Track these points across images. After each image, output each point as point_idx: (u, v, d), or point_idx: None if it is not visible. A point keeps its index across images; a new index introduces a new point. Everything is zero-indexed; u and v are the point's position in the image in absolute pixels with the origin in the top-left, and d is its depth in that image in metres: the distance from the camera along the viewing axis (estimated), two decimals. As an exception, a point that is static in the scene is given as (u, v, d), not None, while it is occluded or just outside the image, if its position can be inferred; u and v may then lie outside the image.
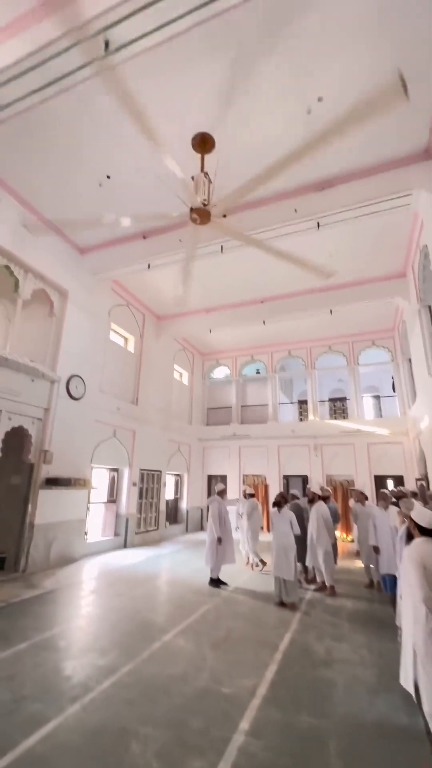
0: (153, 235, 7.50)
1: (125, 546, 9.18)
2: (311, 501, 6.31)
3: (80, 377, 7.88)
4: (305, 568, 6.75)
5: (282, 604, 5.08)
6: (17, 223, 6.61)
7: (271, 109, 5.10)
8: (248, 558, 7.79)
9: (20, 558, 6.43)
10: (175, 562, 7.77)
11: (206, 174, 4.91)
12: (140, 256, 7.73)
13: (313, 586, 6.05)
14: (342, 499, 11.24)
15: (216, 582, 6.05)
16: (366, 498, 6.85)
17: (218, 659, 3.48)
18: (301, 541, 6.85)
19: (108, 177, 6.23)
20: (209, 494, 8.42)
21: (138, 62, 4.36)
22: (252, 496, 7.93)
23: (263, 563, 7.24)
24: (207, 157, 5.30)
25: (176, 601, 5.23)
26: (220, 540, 6.06)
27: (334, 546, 6.32)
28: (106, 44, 3.97)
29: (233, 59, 4.48)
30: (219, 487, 6.80)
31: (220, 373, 15.42)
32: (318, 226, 6.60)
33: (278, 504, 5.62)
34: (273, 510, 5.68)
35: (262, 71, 4.65)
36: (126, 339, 10.66)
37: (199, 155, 5.30)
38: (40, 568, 6.59)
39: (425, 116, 5.08)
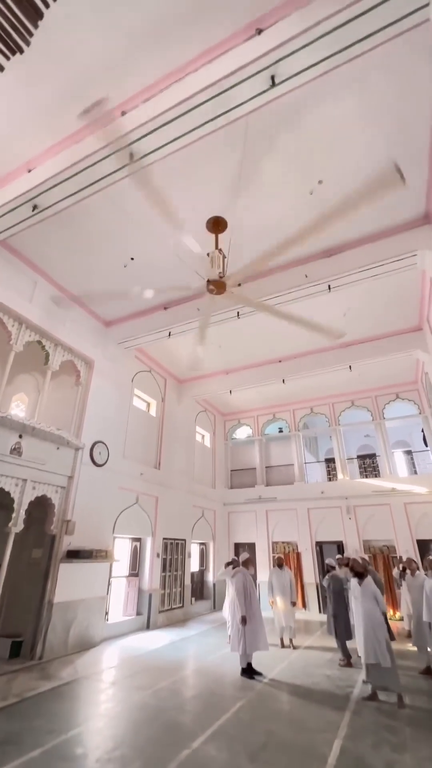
0: (173, 306, 8.01)
1: (148, 627, 8.44)
2: (356, 573, 5.62)
3: (104, 443, 7.95)
4: (344, 650, 6.01)
5: (373, 697, 4.40)
6: (50, 302, 7.23)
7: (276, 193, 5.66)
8: (282, 640, 7.01)
9: (37, 643, 5.99)
10: (203, 647, 7.02)
11: (220, 250, 5.36)
12: (161, 325, 8.19)
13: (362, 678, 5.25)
14: (384, 568, 10.20)
15: (249, 672, 5.33)
16: (417, 567, 6.20)
17: (257, 775, 2.97)
18: (341, 618, 6.17)
19: (132, 259, 6.88)
20: (232, 564, 7.69)
21: (161, 163, 5.03)
22: (280, 566, 7.38)
23: (347, 658, 5.98)
24: (220, 236, 5.82)
25: (205, 696, 4.63)
26: (244, 620, 5.31)
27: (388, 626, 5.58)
28: (131, 155, 4.65)
29: (241, 155, 5.12)
30: (243, 556, 6.28)
31: (242, 433, 15.24)
32: (329, 288, 6.90)
33: (360, 575, 4.90)
34: (353, 583, 5.04)
35: (267, 162, 5.26)
36: (148, 403, 10.87)
37: (213, 235, 5.84)
38: (57, 654, 6.09)
39: (421, 186, 5.50)
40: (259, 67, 3.76)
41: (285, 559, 11.24)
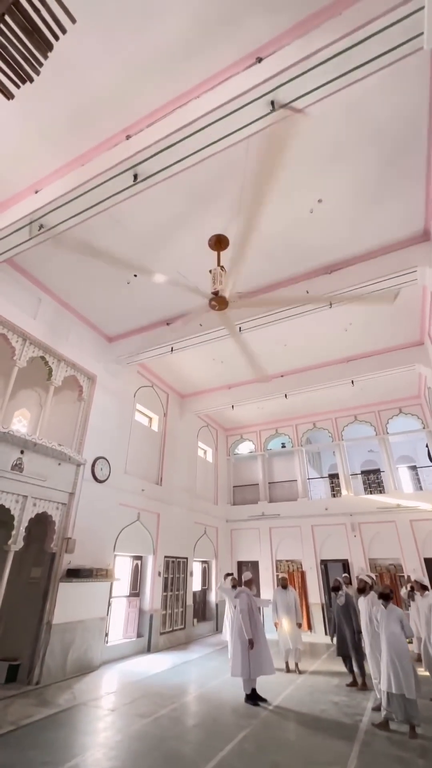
0: (175, 321, 8.07)
1: (149, 649, 8.20)
2: (361, 591, 5.51)
3: (105, 459, 7.90)
4: (353, 673, 5.83)
5: (384, 726, 4.23)
6: (54, 318, 7.31)
7: (277, 212, 5.77)
8: (288, 664, 6.79)
9: (35, 666, 5.82)
10: (205, 672, 6.79)
11: (222, 267, 5.44)
12: (164, 341, 8.24)
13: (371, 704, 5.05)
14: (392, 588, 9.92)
15: (253, 698, 5.13)
16: (426, 588, 6.04)
17: None
18: (348, 639, 5.98)
19: (135, 275, 6.97)
20: (237, 584, 7.57)
21: (163, 183, 5.16)
22: (284, 586, 7.23)
23: (356, 681, 5.86)
24: (223, 253, 5.92)
25: (208, 724, 4.45)
26: (251, 643, 5.15)
27: None
28: (135, 177, 4.78)
29: (241, 178, 5.25)
30: (246, 575, 6.11)
31: (245, 448, 15.12)
32: (330, 305, 6.95)
33: (386, 597, 4.72)
34: (375, 606, 4.89)
35: (267, 184, 5.38)
36: (150, 418, 10.84)
37: (215, 252, 5.94)
38: (55, 678, 5.90)
39: (420, 203, 5.59)
40: (260, 93, 3.89)
41: (289, 578, 11.00)
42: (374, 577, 7.22)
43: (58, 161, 5.07)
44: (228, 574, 8.11)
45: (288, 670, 6.69)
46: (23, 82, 2.67)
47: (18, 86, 2.71)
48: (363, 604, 5.24)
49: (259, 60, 3.91)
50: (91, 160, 4.79)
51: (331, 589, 6.36)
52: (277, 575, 7.49)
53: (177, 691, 5.67)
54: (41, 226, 5.35)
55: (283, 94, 3.90)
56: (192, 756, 3.64)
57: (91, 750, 3.78)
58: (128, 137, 4.60)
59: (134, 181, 4.74)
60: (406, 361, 9.05)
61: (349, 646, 5.95)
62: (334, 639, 6.30)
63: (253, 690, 5.18)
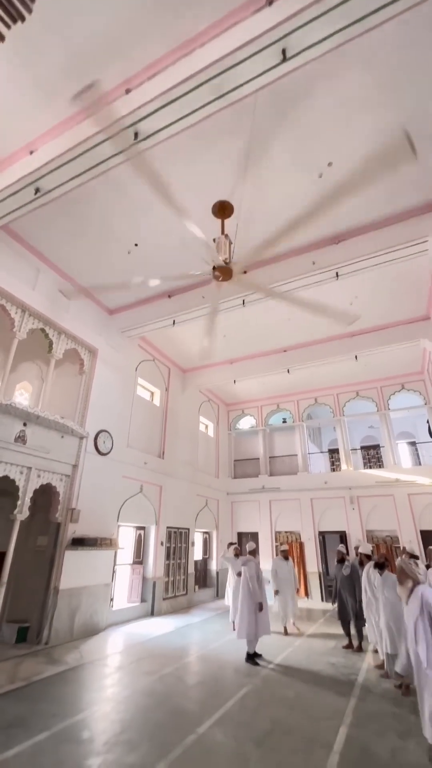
0: (177, 293, 7.89)
1: (152, 613, 8.53)
2: (377, 564, 5.67)
3: (108, 432, 7.93)
4: (350, 636, 6.10)
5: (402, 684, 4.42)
6: (53, 290, 7.14)
7: (284, 177, 5.50)
8: (286, 628, 7.12)
9: (43, 628, 6.05)
10: (207, 634, 7.08)
11: (226, 236, 5.23)
12: (166, 314, 8.09)
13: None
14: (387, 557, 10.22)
15: (253, 657, 5.41)
16: (416, 557, 6.20)
17: (263, 760, 2.97)
18: (350, 606, 6.20)
19: (136, 245, 6.75)
20: (239, 553, 7.95)
21: (165, 145, 4.88)
22: (285, 558, 7.57)
23: (352, 644, 6.15)
24: (227, 221, 5.68)
25: (210, 682, 4.66)
26: (261, 606, 5.53)
27: None
28: (135, 135, 4.51)
29: (248, 137, 4.96)
30: (251, 545, 6.38)
31: (246, 423, 15.21)
32: (337, 276, 6.76)
33: (381, 566, 5.03)
34: (371, 573, 5.13)
35: (275, 145, 5.10)
36: (152, 393, 10.83)
37: (219, 220, 5.70)
38: (63, 639, 6.16)
39: (434, 170, 5.32)
40: (270, 40, 3.59)
41: (289, 549, 11.32)
42: (372, 549, 7.45)
43: (54, 119, 4.77)
44: (231, 544, 8.35)
45: (286, 633, 6.97)
46: (14, 21, 2.44)
47: (8, 26, 2.48)
48: (363, 573, 5.40)
49: (270, 2, 3.59)
50: (89, 117, 4.49)
51: (337, 561, 6.57)
52: (279, 546, 7.73)
53: (180, 651, 5.92)
54: (37, 190, 5.11)
55: (296, 41, 3.61)
56: (196, 711, 3.83)
57: (99, 704, 3.97)
58: (128, 91, 4.31)
59: (135, 139, 4.49)
60: (411, 336, 8.92)
61: (350, 612, 6.17)
62: (335, 604, 6.53)
63: (254, 650, 5.43)
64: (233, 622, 7.36)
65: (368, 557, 7.00)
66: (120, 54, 4.13)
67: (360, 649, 5.98)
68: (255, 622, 5.44)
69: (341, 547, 7.05)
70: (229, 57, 3.74)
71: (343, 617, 6.28)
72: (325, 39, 3.60)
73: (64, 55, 4.14)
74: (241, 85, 3.99)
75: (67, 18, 3.82)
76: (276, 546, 7.94)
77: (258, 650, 5.48)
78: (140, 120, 4.32)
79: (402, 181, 5.47)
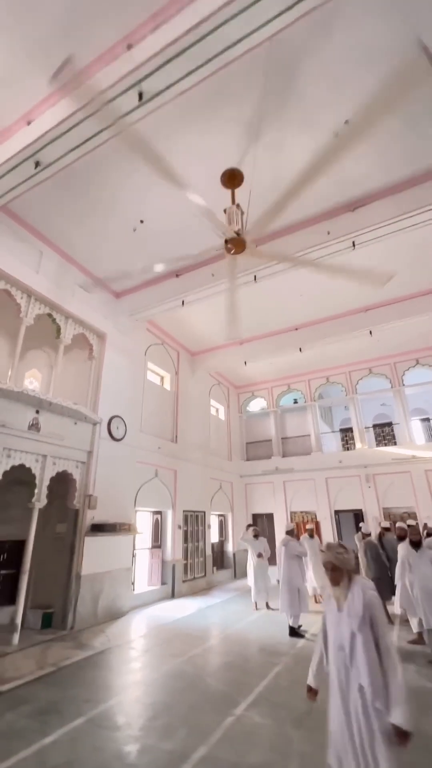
0: (186, 272, 7.60)
1: (173, 595, 8.58)
2: (401, 538, 5.67)
3: (121, 418, 7.80)
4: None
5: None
6: (58, 273, 6.90)
7: (298, 137, 5.14)
8: (316, 597, 7.46)
9: (68, 613, 6.06)
10: (228, 614, 7.09)
11: (238, 206, 4.94)
12: (174, 294, 7.82)
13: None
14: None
15: (296, 630, 5.67)
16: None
17: (305, 741, 2.90)
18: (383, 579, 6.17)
19: (141, 222, 6.45)
20: (259, 534, 8.08)
21: (170, 111, 4.55)
22: (311, 535, 7.67)
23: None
24: (238, 190, 5.36)
25: (240, 662, 4.63)
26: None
27: None
28: (140, 95, 4.18)
29: (258, 97, 4.60)
30: (289, 526, 6.73)
31: (256, 405, 15.05)
32: (353, 245, 6.43)
33: (417, 543, 5.05)
34: (408, 550, 5.07)
35: (287, 103, 4.73)
36: (162, 377, 10.66)
37: (229, 190, 5.38)
38: (88, 624, 6.18)
39: (460, 123, 4.93)
40: (286, -25, 3.23)
41: (304, 527, 11.30)
42: (388, 525, 7.39)
43: (50, 85, 4.44)
44: (249, 525, 8.34)
45: (316, 602, 7.22)
46: None
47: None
48: (401, 548, 5.30)
49: None
50: (89, 79, 4.16)
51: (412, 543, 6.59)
52: (306, 525, 7.98)
53: (205, 632, 5.92)
54: (37, 164, 4.83)
55: (313, -25, 3.25)
56: (230, 692, 3.78)
57: (131, 688, 3.94)
58: (129, 47, 3.97)
59: (140, 100, 4.17)
60: (428, 309, 8.59)
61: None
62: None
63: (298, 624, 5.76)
64: (256, 603, 7.39)
65: (387, 530, 7.09)
66: (119, 6, 3.78)
67: (390, 621, 5.98)
68: (297, 600, 5.79)
69: (364, 526, 7.06)
70: (237, 2, 3.39)
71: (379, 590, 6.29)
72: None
73: (60, 11, 3.81)
74: (252, 32, 3.65)
75: (61, -37, 3.50)
76: (307, 528, 8.07)
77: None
78: (144, 78, 3.99)
79: (422, 139, 5.09)
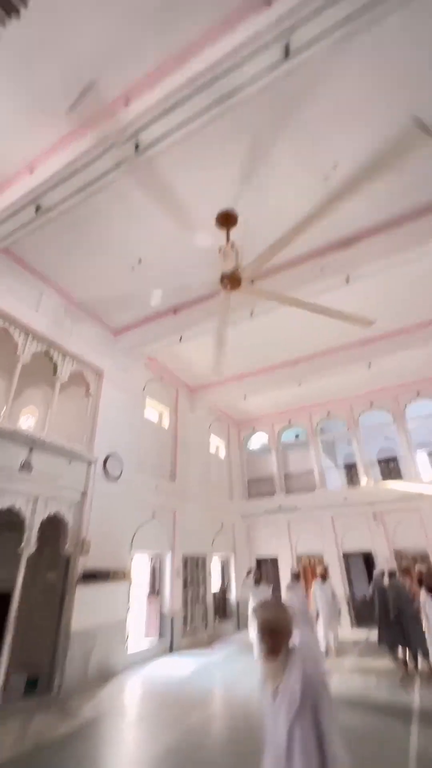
0: (184, 308, 7.70)
1: (171, 650, 7.90)
2: (421, 582, 5.39)
3: (117, 456, 7.58)
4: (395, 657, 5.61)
5: None
6: (57, 312, 6.98)
7: (289, 180, 5.36)
8: (327, 648, 6.93)
9: (54, 675, 5.53)
10: (231, 674, 6.46)
11: (232, 244, 5.06)
12: (172, 330, 7.89)
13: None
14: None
15: None
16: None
17: None
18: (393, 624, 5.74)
19: (140, 261, 6.61)
20: (260, 579, 7.55)
21: (166, 155, 4.78)
22: (323, 578, 7.24)
23: (405, 666, 5.83)
24: (233, 230, 5.53)
25: (244, 732, 4.12)
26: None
27: None
28: (136, 146, 4.40)
29: (250, 142, 4.85)
30: (294, 569, 6.08)
31: (258, 441, 14.76)
32: (347, 280, 6.55)
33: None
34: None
35: (278, 148, 4.97)
36: (161, 413, 10.52)
37: (224, 230, 5.56)
38: (77, 686, 5.61)
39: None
40: (272, 35, 3.49)
41: (311, 571, 10.66)
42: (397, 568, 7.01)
43: (54, 136, 4.71)
44: (250, 570, 7.84)
45: (327, 655, 6.79)
46: (8, 14, 2.32)
47: (3, 23, 2.36)
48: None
49: (269, 2, 3.51)
50: (89, 131, 4.41)
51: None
52: (321, 568, 7.55)
53: (205, 696, 5.35)
54: (38, 208, 5.00)
55: (298, 37, 3.50)
56: (232, 772, 3.31)
57: (121, 768, 3.46)
58: (128, 103, 4.23)
59: (136, 150, 4.38)
60: (426, 340, 8.61)
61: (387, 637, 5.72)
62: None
63: None
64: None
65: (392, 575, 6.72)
66: (118, 65, 4.07)
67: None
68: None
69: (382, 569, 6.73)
70: (230, 57, 3.64)
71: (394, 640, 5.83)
72: (325, 34, 3.49)
73: (61, 69, 4.09)
74: (242, 86, 3.89)
75: (62, 34, 3.80)
76: (320, 569, 7.68)
77: None
78: (140, 130, 4.22)
79: (412, 180, 5.31)
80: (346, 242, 6.31)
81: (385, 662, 6.21)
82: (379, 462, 13.62)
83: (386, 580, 6.24)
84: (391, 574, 6.77)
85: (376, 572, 6.83)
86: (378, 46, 4.00)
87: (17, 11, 2.33)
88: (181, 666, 6.90)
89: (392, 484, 11.33)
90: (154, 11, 3.68)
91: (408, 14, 3.71)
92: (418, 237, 5.75)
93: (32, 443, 5.82)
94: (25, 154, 4.86)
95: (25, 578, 5.43)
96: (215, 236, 5.65)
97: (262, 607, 1.81)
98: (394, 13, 3.49)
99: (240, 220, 5.64)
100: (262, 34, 3.48)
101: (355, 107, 4.52)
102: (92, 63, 4.04)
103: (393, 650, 6.00)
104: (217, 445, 13.32)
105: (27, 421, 7.50)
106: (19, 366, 6.23)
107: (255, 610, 1.85)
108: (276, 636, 1.66)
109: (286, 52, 3.61)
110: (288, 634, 1.70)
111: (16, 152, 4.84)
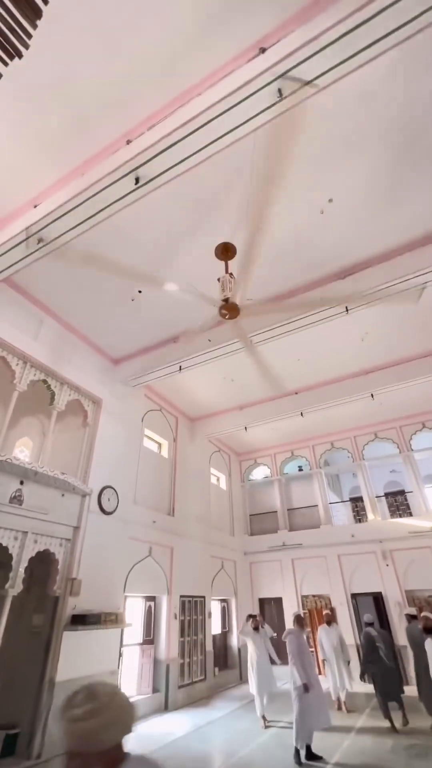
0: (183, 338, 7.69)
1: (166, 707, 7.23)
2: (428, 630, 5.02)
3: (113, 488, 7.32)
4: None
5: None
6: (56, 340, 7.00)
7: (286, 214, 5.49)
8: (339, 701, 6.44)
9: (35, 735, 5.01)
10: (233, 735, 5.84)
11: (231, 274, 5.12)
12: (172, 360, 7.85)
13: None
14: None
15: (307, 755, 4.35)
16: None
17: None
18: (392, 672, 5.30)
19: (140, 291, 6.69)
20: (259, 625, 7.00)
21: (165, 188, 4.93)
22: (328, 623, 6.74)
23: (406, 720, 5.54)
24: (231, 261, 5.62)
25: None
26: (306, 688, 4.57)
27: None
28: (136, 180, 4.55)
29: (247, 180, 5.01)
30: (295, 613, 5.60)
31: (260, 473, 14.36)
32: (347, 310, 6.56)
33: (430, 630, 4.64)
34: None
35: (274, 185, 5.13)
36: (160, 444, 10.30)
37: (223, 261, 5.66)
38: (59, 749, 5.06)
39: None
40: (265, 81, 3.66)
41: (318, 615, 9.99)
42: (415, 612, 6.50)
43: (57, 174, 4.90)
44: (250, 616, 7.31)
45: (339, 708, 6.39)
46: (11, 57, 2.43)
47: (6, 63, 2.47)
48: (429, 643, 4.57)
49: (263, 50, 3.71)
50: (91, 168, 4.59)
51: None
52: (326, 613, 7.05)
53: (204, 762, 4.79)
54: (40, 240, 5.11)
55: (290, 81, 3.68)
56: None
57: None
58: (128, 142, 4.41)
59: (136, 185, 4.52)
60: (429, 371, 8.51)
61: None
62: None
63: (308, 747, 4.40)
64: (263, 718, 6.17)
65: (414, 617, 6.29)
66: (120, 107, 4.29)
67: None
68: (306, 710, 4.49)
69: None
70: (226, 100, 3.80)
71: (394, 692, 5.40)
72: (321, 75, 3.67)
73: (65, 114, 4.31)
74: (238, 126, 4.05)
75: (67, 79, 4.03)
76: (326, 613, 7.22)
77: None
78: (140, 165, 4.36)
79: (407, 213, 5.44)
80: (343, 273, 6.38)
81: (399, 721, 5.63)
82: (386, 495, 13.13)
83: (397, 624, 5.79)
84: (412, 617, 6.36)
85: (364, 620, 6.45)
86: (368, 93, 4.19)
87: (20, 54, 2.45)
88: (177, 725, 6.29)
89: (400, 521, 10.83)
90: (153, 59, 3.91)
91: (398, 61, 3.91)
92: (414, 268, 5.81)
93: (24, 474, 5.62)
94: (29, 191, 5.04)
95: (9, 621, 5.05)
96: (214, 267, 5.74)
97: (66, 706, 1.09)
98: (385, 58, 3.68)
99: (239, 251, 5.73)
100: (255, 79, 3.66)
101: (344, 147, 4.70)
102: (95, 104, 4.26)
103: (385, 704, 5.68)
104: (217, 477, 12.95)
105: (22, 453, 7.32)
106: (15, 394, 6.15)
107: (60, 710, 1.12)
108: (76, 758, 1.01)
109: (280, 94, 3.78)
110: (98, 751, 1.04)
111: (20, 189, 5.03)
